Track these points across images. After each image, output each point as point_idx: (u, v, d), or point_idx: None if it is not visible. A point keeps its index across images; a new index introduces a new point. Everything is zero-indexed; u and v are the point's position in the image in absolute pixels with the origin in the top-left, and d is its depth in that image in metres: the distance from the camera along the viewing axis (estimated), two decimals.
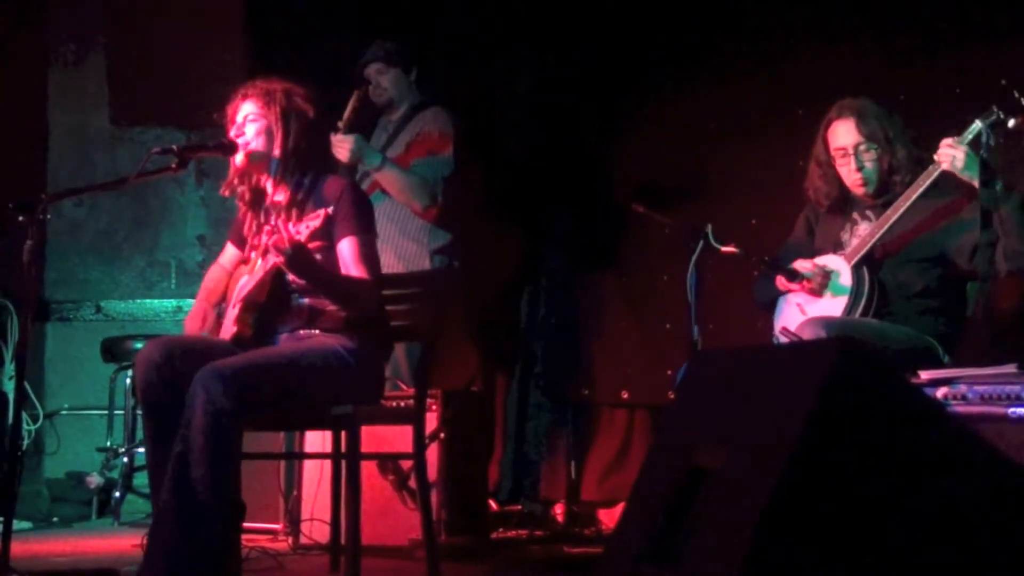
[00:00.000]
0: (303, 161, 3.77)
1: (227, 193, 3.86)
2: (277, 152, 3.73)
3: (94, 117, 6.86)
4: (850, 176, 4.04)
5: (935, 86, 4.54)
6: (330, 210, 3.43)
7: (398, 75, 5.18)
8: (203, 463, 3.27)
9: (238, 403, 3.31)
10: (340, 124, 4.96)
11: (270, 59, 5.97)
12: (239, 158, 3.76)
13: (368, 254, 3.70)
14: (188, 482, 3.27)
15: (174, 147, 3.75)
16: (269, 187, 3.80)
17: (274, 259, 3.47)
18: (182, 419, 3.31)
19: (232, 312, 3.72)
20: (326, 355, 3.58)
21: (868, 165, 4.01)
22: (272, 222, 3.66)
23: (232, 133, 3.77)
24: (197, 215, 6.85)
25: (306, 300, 3.71)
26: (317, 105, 3.89)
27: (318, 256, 3.56)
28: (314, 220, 3.39)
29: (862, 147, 4.00)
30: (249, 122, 3.75)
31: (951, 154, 3.68)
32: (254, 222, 3.84)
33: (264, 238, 3.65)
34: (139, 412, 5.43)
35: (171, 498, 3.29)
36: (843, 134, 4.03)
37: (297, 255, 3.40)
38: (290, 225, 3.43)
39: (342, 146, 4.82)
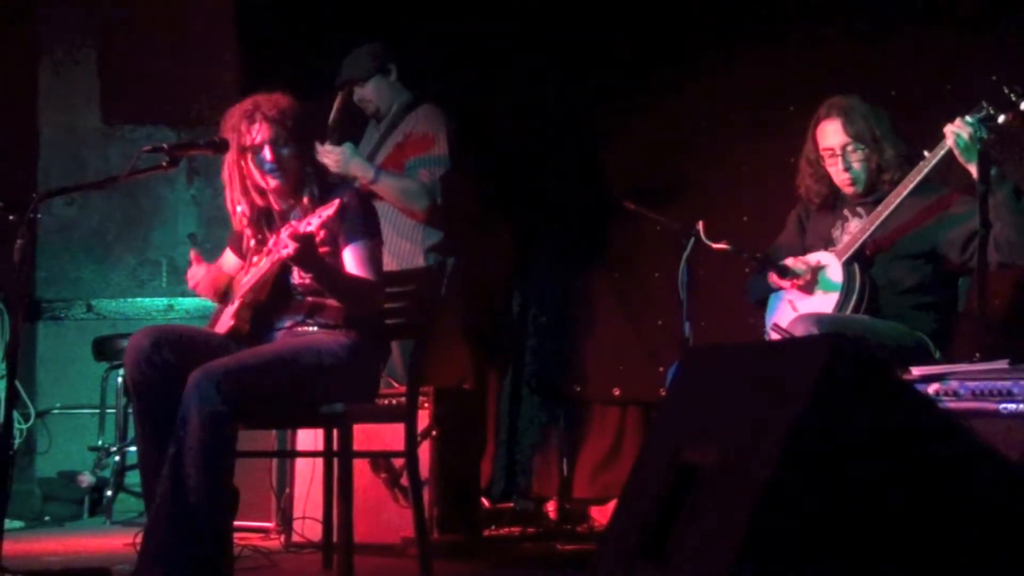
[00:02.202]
0: (315, 182, 3.78)
1: (235, 208, 3.85)
2: (294, 179, 3.74)
3: (85, 115, 6.85)
4: (838, 176, 4.04)
5: (926, 83, 4.55)
6: (345, 198, 3.43)
7: (377, 83, 5.15)
8: (198, 466, 3.28)
9: (233, 406, 3.32)
10: (329, 127, 4.95)
11: (261, 57, 5.96)
12: (274, 186, 3.74)
13: (374, 259, 3.72)
14: (183, 485, 3.28)
15: (165, 145, 3.74)
16: (274, 203, 3.81)
17: (280, 253, 3.46)
18: (176, 419, 3.32)
19: (231, 307, 3.72)
20: (321, 353, 3.58)
21: (856, 165, 4.01)
22: (280, 231, 3.67)
23: (266, 166, 3.71)
24: (188, 213, 6.84)
25: (308, 298, 3.72)
26: (315, 120, 3.89)
27: None
28: (327, 209, 3.39)
29: (849, 147, 4.00)
30: (281, 156, 3.71)
31: (955, 131, 3.66)
32: (258, 234, 3.83)
33: (271, 243, 3.66)
34: (131, 410, 5.44)
35: (166, 500, 3.30)
36: (831, 134, 4.03)
37: (306, 247, 3.40)
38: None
39: (329, 157, 4.79)
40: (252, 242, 3.83)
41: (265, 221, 3.84)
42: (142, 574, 3.30)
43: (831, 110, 4.04)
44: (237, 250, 3.96)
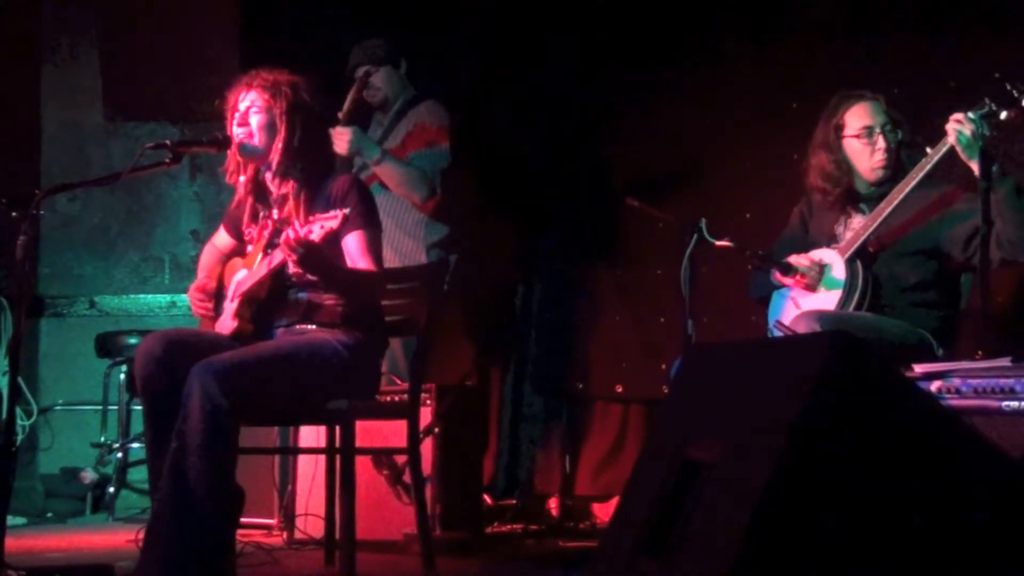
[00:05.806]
0: (307, 157, 3.76)
1: (230, 180, 3.87)
2: (280, 146, 3.72)
3: (88, 112, 6.85)
4: (872, 157, 3.99)
5: (928, 80, 4.54)
6: (347, 211, 3.42)
7: (388, 72, 5.19)
8: (200, 460, 3.28)
9: (234, 400, 3.32)
10: (340, 115, 4.97)
11: (264, 53, 5.95)
12: (236, 149, 3.77)
13: (374, 247, 3.72)
14: (185, 479, 3.28)
15: (168, 142, 3.75)
16: (270, 182, 3.80)
17: (281, 256, 3.47)
18: (178, 415, 3.32)
19: (231, 306, 3.73)
20: (323, 350, 3.59)
21: (894, 144, 3.99)
22: (275, 216, 3.67)
23: (235, 122, 3.76)
24: (191, 210, 6.85)
25: (304, 295, 3.72)
26: (321, 98, 3.88)
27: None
28: (331, 221, 3.36)
29: (888, 127, 3.98)
30: (253, 113, 3.75)
31: (957, 128, 3.66)
32: (252, 212, 3.84)
33: (266, 233, 3.66)
34: (133, 407, 5.43)
35: (169, 495, 3.30)
36: (871, 113, 3.99)
37: (310, 254, 3.40)
38: (297, 223, 3.43)
39: (341, 138, 4.84)
40: (252, 218, 3.84)
41: (261, 195, 3.85)
42: (145, 570, 3.31)
43: (861, 97, 4.02)
44: (231, 229, 3.97)
